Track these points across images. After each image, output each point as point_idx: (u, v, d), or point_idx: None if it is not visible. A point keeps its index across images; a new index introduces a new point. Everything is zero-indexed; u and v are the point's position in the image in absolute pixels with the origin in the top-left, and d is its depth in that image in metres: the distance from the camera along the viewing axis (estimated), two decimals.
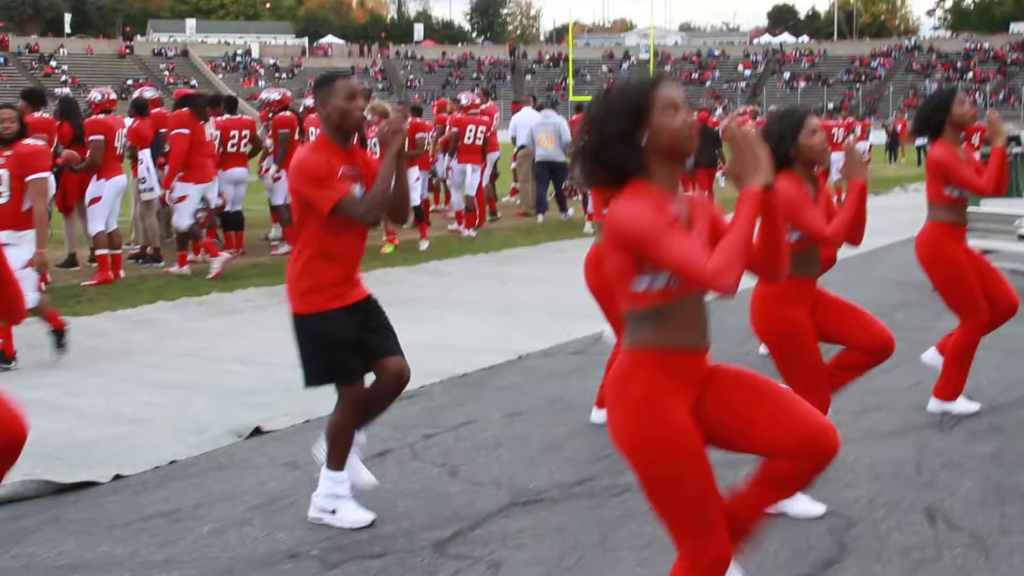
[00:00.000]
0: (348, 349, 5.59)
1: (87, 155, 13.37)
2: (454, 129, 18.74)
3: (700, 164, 20.99)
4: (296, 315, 5.61)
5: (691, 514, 3.66)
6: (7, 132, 9.18)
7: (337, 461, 5.71)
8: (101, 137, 13.36)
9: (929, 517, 5.71)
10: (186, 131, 13.94)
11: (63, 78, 79.31)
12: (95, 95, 14.21)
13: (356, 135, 5.70)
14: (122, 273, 13.92)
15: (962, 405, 7.65)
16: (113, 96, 14.44)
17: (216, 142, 15.01)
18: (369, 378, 5.76)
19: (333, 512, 5.68)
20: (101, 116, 13.71)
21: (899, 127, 47.76)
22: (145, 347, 10.24)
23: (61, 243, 15.00)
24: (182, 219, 14.12)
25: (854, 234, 5.84)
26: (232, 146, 15.46)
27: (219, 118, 15.37)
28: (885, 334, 5.99)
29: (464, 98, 19.94)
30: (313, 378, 5.69)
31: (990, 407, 7.74)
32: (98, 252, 13.60)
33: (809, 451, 3.77)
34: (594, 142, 3.69)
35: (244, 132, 15.59)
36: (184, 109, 14.35)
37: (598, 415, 7.46)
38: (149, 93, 16.16)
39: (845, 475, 6.31)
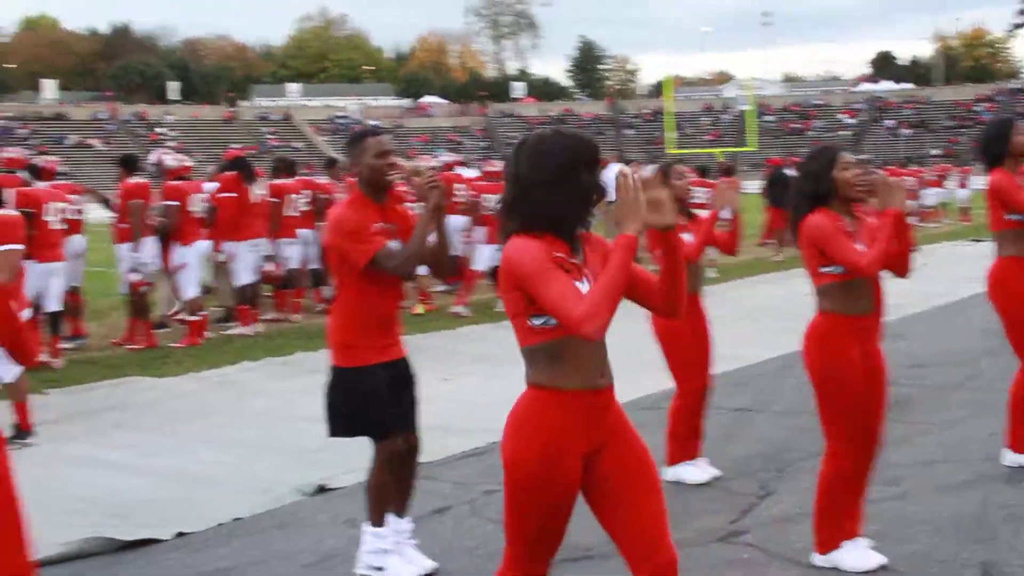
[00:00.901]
0: (385, 403, 5.66)
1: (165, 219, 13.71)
2: None
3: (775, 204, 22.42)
4: (336, 368, 5.70)
5: (531, 541, 3.90)
6: None
7: (378, 517, 5.78)
8: (176, 203, 13.64)
9: (984, 573, 5.61)
10: (233, 195, 14.24)
11: (170, 144, 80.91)
12: (169, 161, 14.48)
13: (390, 191, 5.79)
14: (208, 335, 14.17)
15: None
16: (188, 163, 14.77)
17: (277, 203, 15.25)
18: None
19: (380, 569, 5.73)
20: (176, 183, 13.97)
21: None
22: (223, 407, 10.42)
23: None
24: (238, 278, 14.39)
25: (898, 265, 5.77)
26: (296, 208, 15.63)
27: (286, 180, 15.62)
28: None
29: None
30: (339, 429, 5.77)
31: None
32: (191, 318, 13.86)
33: (641, 564, 3.86)
34: (516, 192, 3.82)
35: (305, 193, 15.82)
36: (232, 172, 14.63)
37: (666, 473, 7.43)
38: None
39: (904, 529, 6.23)
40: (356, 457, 7.91)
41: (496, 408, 9.41)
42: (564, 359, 3.76)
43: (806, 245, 5.67)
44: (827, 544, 5.72)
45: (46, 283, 11.69)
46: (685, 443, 7.48)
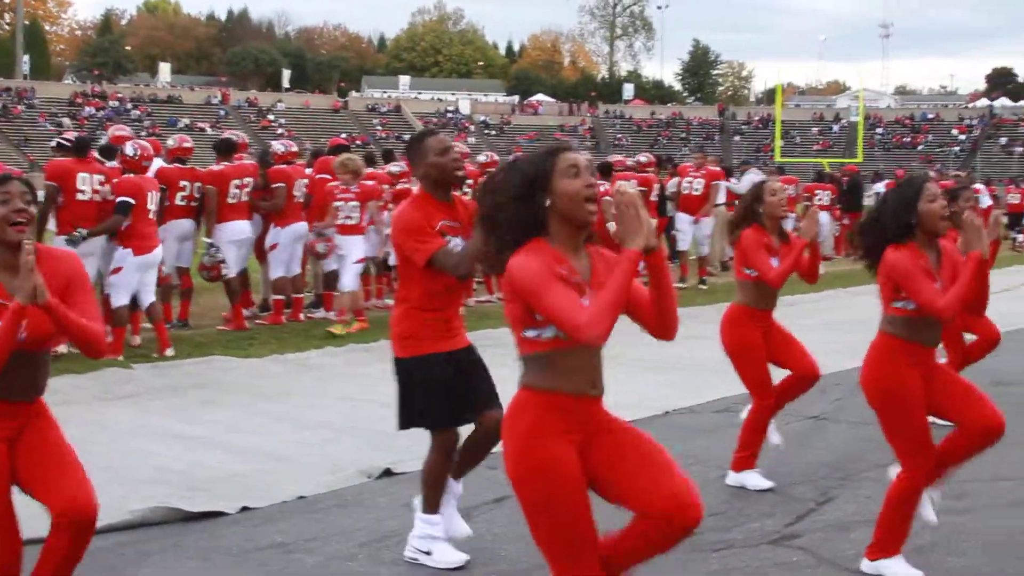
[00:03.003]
0: (442, 395, 5.78)
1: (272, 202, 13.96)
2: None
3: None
4: (396, 359, 5.85)
5: (563, 542, 3.89)
6: None
7: (431, 505, 5.90)
8: (282, 185, 13.91)
9: None
10: (327, 176, 14.48)
11: (279, 131, 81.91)
12: (277, 147, 14.84)
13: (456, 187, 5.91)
14: (301, 317, 14.42)
15: None
16: (295, 148, 15.10)
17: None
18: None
19: (428, 553, 5.87)
20: (283, 166, 14.24)
21: None
22: (306, 389, 10.65)
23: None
24: (327, 264, 14.68)
25: (975, 307, 5.77)
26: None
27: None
28: (995, 418, 5.74)
29: (643, 157, 20.47)
30: (406, 421, 5.93)
31: None
32: (275, 297, 14.15)
33: (668, 518, 3.92)
34: (497, 204, 3.94)
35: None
36: (331, 156, 14.87)
37: (733, 478, 7.51)
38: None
39: (956, 543, 6.24)
40: (423, 444, 8.10)
41: None
42: (555, 368, 3.89)
43: (884, 279, 5.66)
44: (879, 552, 5.74)
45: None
46: (750, 450, 7.50)
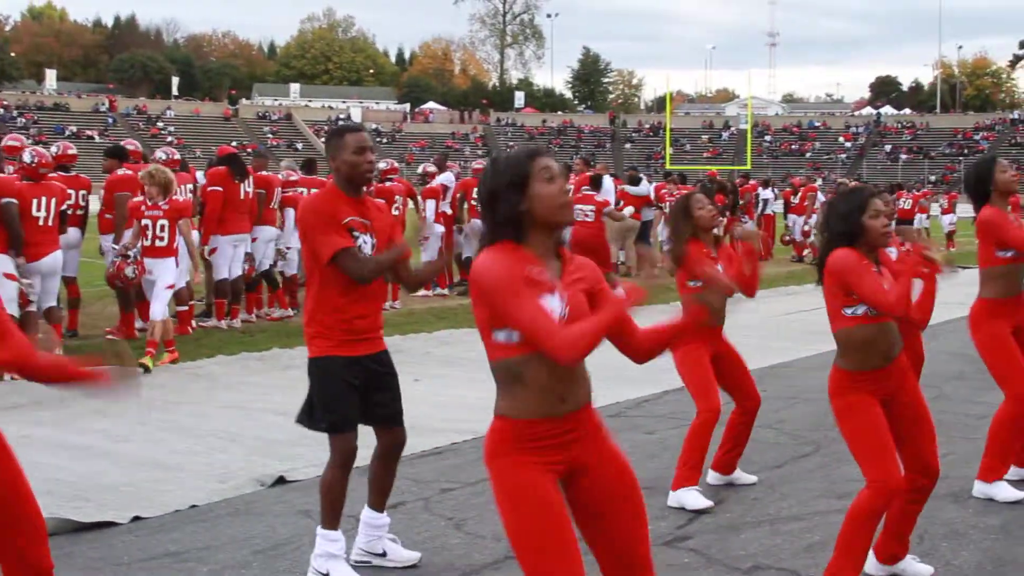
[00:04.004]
0: (340, 396, 5.70)
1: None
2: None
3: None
4: (309, 359, 5.81)
5: (544, 570, 3.77)
6: None
7: (330, 520, 5.77)
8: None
9: None
10: (219, 189, 14.35)
11: (169, 139, 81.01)
12: (159, 155, 14.69)
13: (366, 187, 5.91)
14: (192, 327, 14.27)
15: (1005, 492, 7.35)
16: (177, 156, 15.00)
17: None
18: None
19: (326, 575, 5.75)
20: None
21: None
22: (196, 398, 10.55)
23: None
24: (217, 272, 14.56)
25: (918, 312, 5.75)
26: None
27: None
28: (934, 463, 5.74)
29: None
30: (303, 418, 5.86)
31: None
32: (178, 308, 13.98)
33: None
34: (487, 206, 3.90)
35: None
36: (221, 167, 14.75)
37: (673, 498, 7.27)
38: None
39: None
40: (317, 452, 8.08)
41: (460, 410, 9.59)
42: (524, 380, 3.79)
43: (831, 283, 5.59)
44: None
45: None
46: (694, 468, 7.30)
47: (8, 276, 11.29)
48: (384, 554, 5.91)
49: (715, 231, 7.59)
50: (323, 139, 75.32)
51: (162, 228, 12.07)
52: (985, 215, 7.36)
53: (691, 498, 7.15)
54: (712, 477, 7.66)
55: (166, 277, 12.23)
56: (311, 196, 5.86)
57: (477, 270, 3.75)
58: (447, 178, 19.51)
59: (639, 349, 4.02)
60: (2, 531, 4.15)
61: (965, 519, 6.92)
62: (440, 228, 18.31)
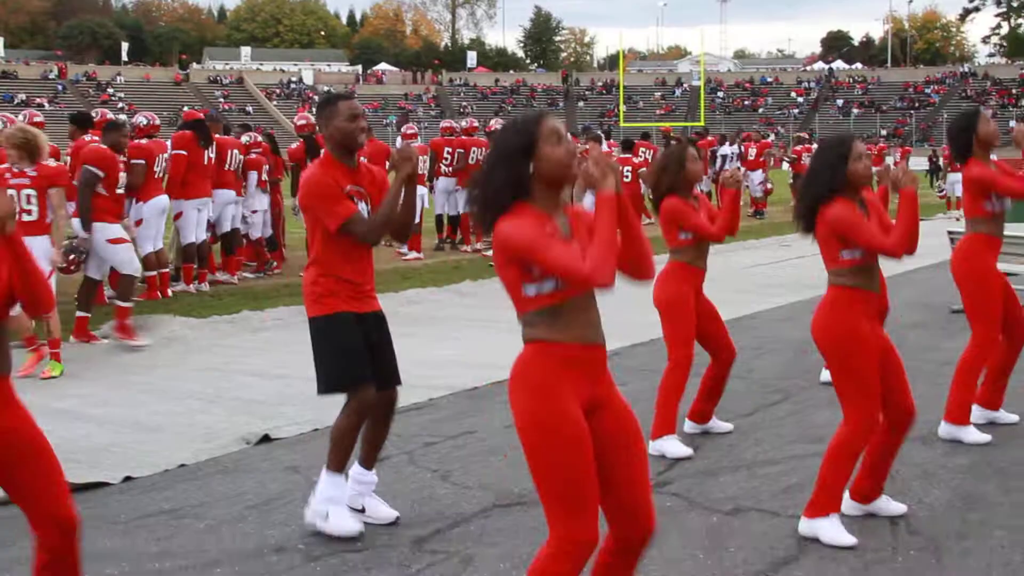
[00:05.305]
0: (357, 351, 5.84)
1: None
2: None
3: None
4: (312, 319, 5.92)
5: (566, 498, 3.91)
6: None
7: (338, 464, 5.93)
8: (143, 161, 13.75)
9: (892, 522, 5.95)
10: (183, 153, 14.50)
11: (119, 105, 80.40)
12: (140, 120, 14.70)
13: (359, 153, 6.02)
14: (169, 292, 14.36)
15: (973, 435, 7.59)
16: (157, 122, 14.95)
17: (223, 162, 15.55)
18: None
19: (326, 516, 5.90)
20: (144, 141, 14.10)
21: (944, 154, 47.35)
22: (171, 361, 10.64)
23: None
24: (184, 236, 14.72)
25: (911, 244, 5.98)
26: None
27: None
28: (909, 408, 5.95)
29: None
30: (326, 384, 5.92)
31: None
32: (147, 273, 14.00)
33: (628, 539, 4.13)
34: (490, 167, 4.05)
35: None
36: (186, 132, 14.81)
37: (653, 447, 7.38)
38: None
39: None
40: (300, 410, 8.28)
41: (433, 368, 9.73)
42: (560, 319, 3.95)
43: (826, 235, 5.81)
44: (817, 510, 5.83)
45: None
46: (670, 416, 7.50)
47: (113, 241, 11.60)
48: (363, 510, 6.03)
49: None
50: (275, 103, 74.45)
51: (28, 199, 10.12)
52: (975, 172, 7.56)
53: (671, 446, 7.35)
54: (688, 426, 7.85)
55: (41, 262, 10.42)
56: (311, 169, 5.91)
57: (504, 235, 3.89)
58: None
59: (626, 255, 4.09)
60: (26, 485, 4.24)
61: (935, 459, 7.14)
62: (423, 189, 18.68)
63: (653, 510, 4.16)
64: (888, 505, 6.13)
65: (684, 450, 7.35)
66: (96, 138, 13.70)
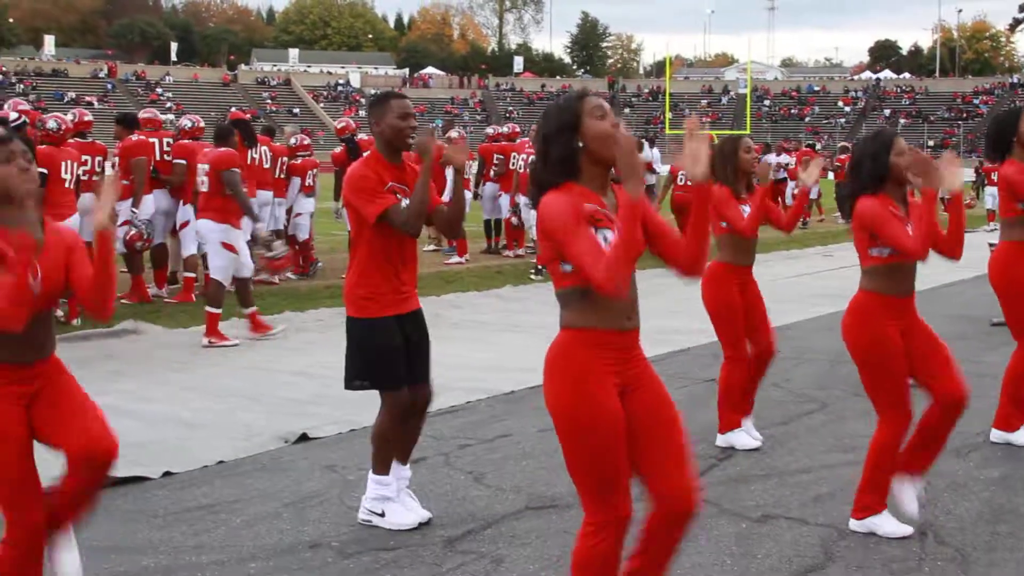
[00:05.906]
0: (394, 356, 5.95)
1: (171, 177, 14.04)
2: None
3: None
4: (351, 318, 6.02)
5: (597, 482, 4.05)
6: None
7: (382, 466, 6.06)
8: (183, 162, 13.93)
9: (920, 533, 5.98)
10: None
11: (168, 105, 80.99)
12: (185, 123, 14.84)
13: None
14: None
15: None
16: (202, 124, 15.08)
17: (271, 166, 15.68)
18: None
19: (382, 515, 6.05)
20: (187, 142, 14.27)
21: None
22: (213, 360, 10.79)
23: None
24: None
25: (951, 248, 5.99)
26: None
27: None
28: (959, 390, 5.95)
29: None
30: (355, 381, 6.05)
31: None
32: (186, 274, 14.19)
33: (670, 512, 4.16)
34: (541, 149, 4.12)
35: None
36: None
37: (721, 439, 7.78)
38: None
39: (850, 493, 6.56)
40: (339, 410, 8.38)
41: (472, 371, 9.81)
42: (592, 300, 4.00)
43: (858, 227, 5.90)
44: (867, 511, 5.99)
45: None
46: (735, 411, 7.72)
47: (226, 246, 11.66)
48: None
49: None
50: (322, 104, 74.67)
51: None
52: (1006, 173, 7.54)
53: (740, 439, 7.68)
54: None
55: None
56: (356, 164, 6.00)
57: (543, 211, 3.97)
58: None
59: (681, 249, 4.15)
60: (72, 424, 4.67)
61: (967, 471, 7.16)
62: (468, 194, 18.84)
63: (696, 483, 4.21)
64: (906, 493, 6.14)
65: (752, 442, 7.67)
66: (143, 137, 13.90)
